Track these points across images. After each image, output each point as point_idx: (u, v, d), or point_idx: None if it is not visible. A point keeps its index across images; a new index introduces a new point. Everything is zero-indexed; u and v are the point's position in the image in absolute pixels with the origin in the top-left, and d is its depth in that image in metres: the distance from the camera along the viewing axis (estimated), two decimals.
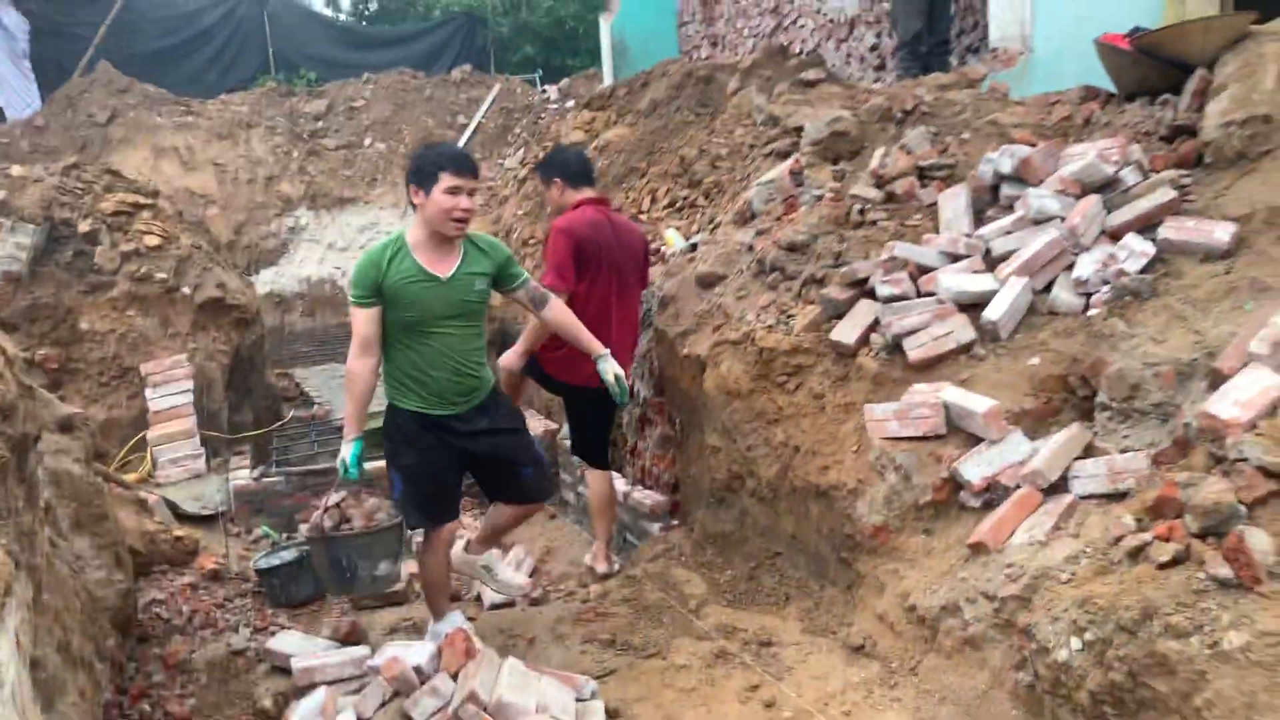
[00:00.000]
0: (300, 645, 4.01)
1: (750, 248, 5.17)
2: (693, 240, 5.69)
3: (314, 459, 6.98)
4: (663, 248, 5.81)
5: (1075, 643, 2.88)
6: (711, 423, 4.76)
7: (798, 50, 9.01)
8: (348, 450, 3.71)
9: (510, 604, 4.97)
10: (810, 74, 7.09)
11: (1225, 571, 2.66)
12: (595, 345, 4.11)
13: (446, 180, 3.59)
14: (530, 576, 5.29)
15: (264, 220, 12.49)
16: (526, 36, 22.01)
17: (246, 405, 7.35)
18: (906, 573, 3.65)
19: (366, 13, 24.24)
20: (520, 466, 4.10)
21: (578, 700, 3.34)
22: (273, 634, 4.33)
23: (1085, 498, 3.33)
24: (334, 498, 3.83)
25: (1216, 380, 3.24)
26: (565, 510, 6.52)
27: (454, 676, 3.34)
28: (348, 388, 3.79)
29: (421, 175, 3.65)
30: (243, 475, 6.37)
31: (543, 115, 13.14)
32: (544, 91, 14.99)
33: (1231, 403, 3.08)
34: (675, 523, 5.22)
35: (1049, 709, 2.96)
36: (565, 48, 21.82)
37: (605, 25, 11.25)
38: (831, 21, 8.57)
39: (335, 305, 12.39)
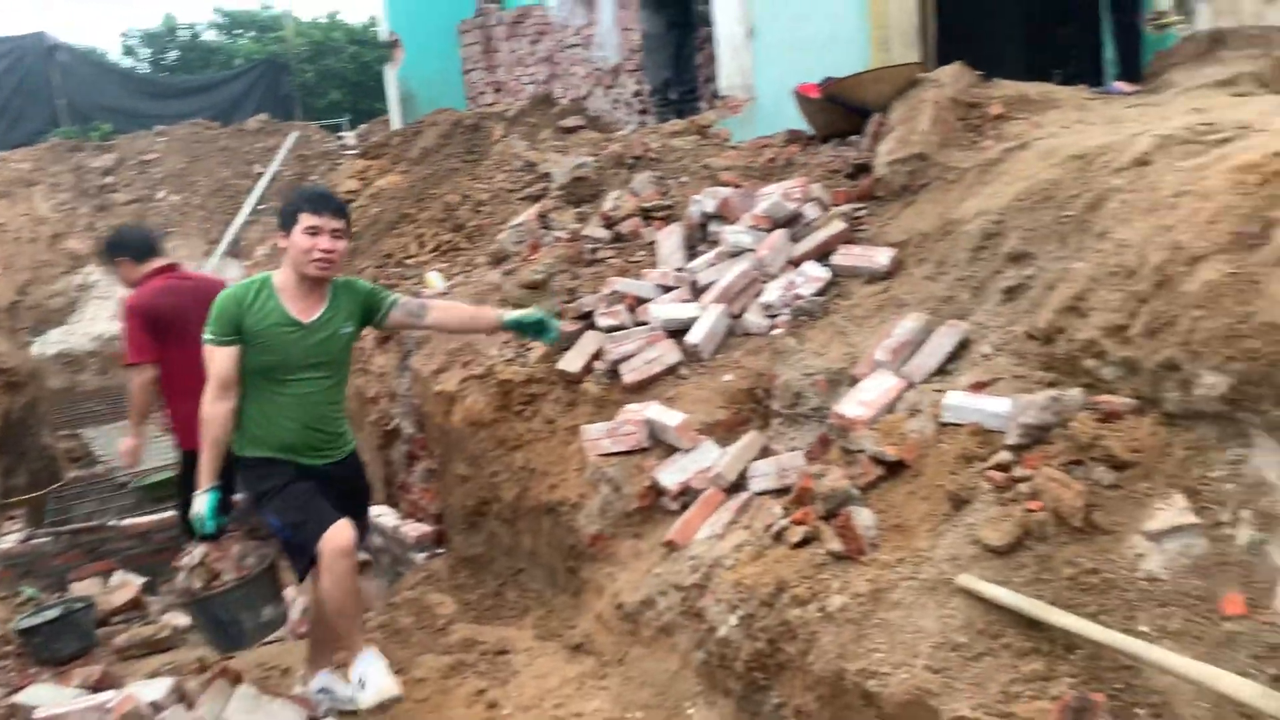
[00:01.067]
0: (50, 696, 4.10)
1: (498, 287, 5.54)
2: (451, 284, 6.03)
3: (103, 514, 6.95)
4: (423, 290, 6.13)
5: (732, 619, 3.34)
6: (461, 453, 5.09)
7: (570, 97, 9.52)
8: (203, 502, 3.43)
9: (279, 639, 5.14)
10: (570, 121, 7.58)
11: (838, 546, 3.17)
12: (492, 313, 3.97)
13: (305, 220, 3.40)
14: (301, 615, 5.47)
15: (50, 279, 12.14)
16: (333, 82, 22.00)
17: (20, 469, 7.23)
18: (619, 575, 4.07)
19: (165, 63, 23.69)
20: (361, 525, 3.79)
21: (310, 718, 3.59)
22: None
23: (760, 494, 3.81)
24: (196, 554, 3.61)
25: (853, 384, 3.80)
26: None
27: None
28: (203, 433, 3.46)
29: (284, 216, 3.47)
30: (10, 539, 6.29)
31: (339, 162, 13.28)
32: (341, 138, 15.10)
33: (857, 403, 3.64)
34: (440, 551, 5.50)
35: (719, 681, 3.40)
36: (374, 92, 21.90)
37: (391, 74, 11.54)
38: (598, 70, 9.11)
39: None
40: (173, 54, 23.50)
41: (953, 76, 5.45)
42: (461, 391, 5.08)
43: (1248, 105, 4.15)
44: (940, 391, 3.50)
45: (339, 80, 22.02)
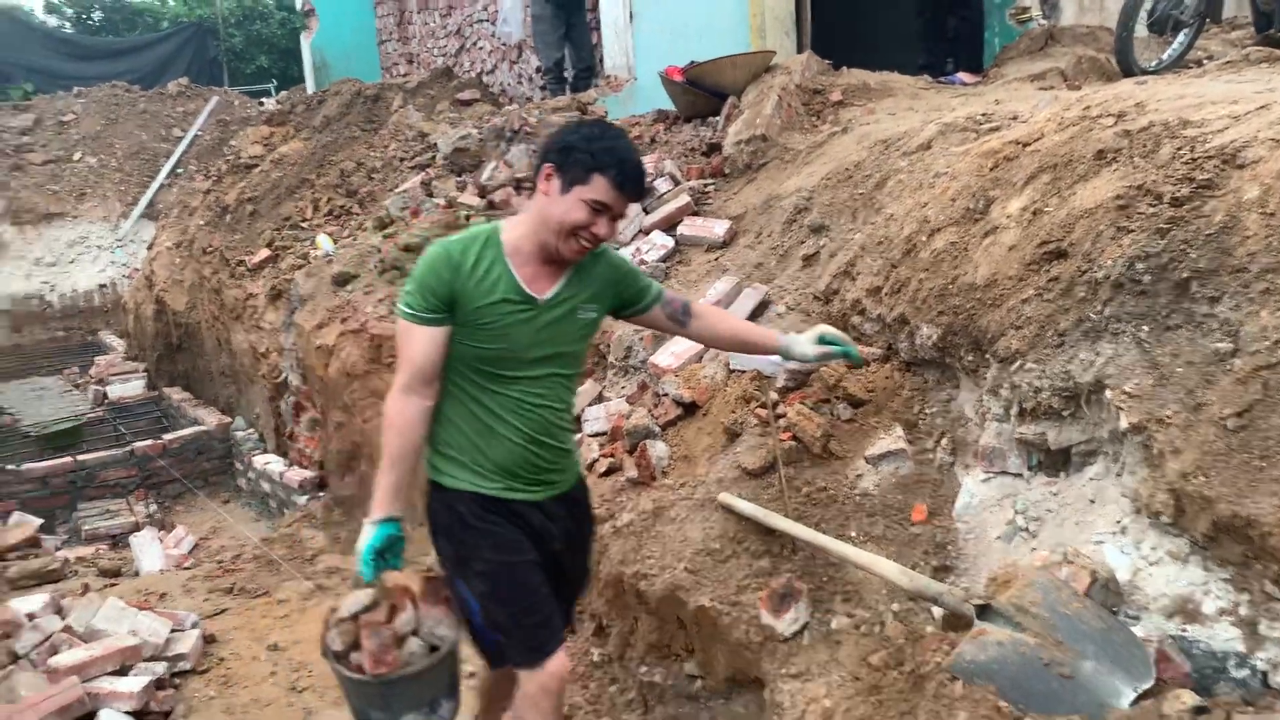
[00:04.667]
0: None
1: (378, 250, 5.93)
2: (339, 246, 6.39)
3: (5, 460, 7.22)
4: (312, 251, 6.48)
5: None
6: (337, 402, 5.49)
7: (477, 71, 9.86)
8: (368, 536, 2.41)
9: None
10: (466, 94, 7.94)
11: (634, 473, 3.64)
12: (770, 333, 2.90)
13: (598, 189, 2.35)
14: (190, 552, 5.85)
15: None
16: (261, 48, 21.95)
17: None
18: None
19: (90, 23, 23.39)
20: (575, 600, 2.89)
21: (175, 630, 3.99)
22: None
23: (593, 435, 4.27)
24: (351, 605, 2.46)
25: (671, 339, 4.27)
26: (237, 494, 7.08)
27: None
28: (387, 440, 2.43)
29: (569, 163, 2.38)
30: None
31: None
32: (263, 104, 15.24)
33: (669, 354, 4.11)
34: (320, 495, 5.90)
35: None
36: (301, 59, 21.90)
37: (306, 43, 11.76)
38: (503, 45, 9.46)
39: (44, 320, 12.27)
40: (97, 14, 23.21)
41: (801, 65, 5.94)
42: (339, 345, 5.47)
43: (1034, 98, 4.68)
44: None
45: (267, 46, 21.97)
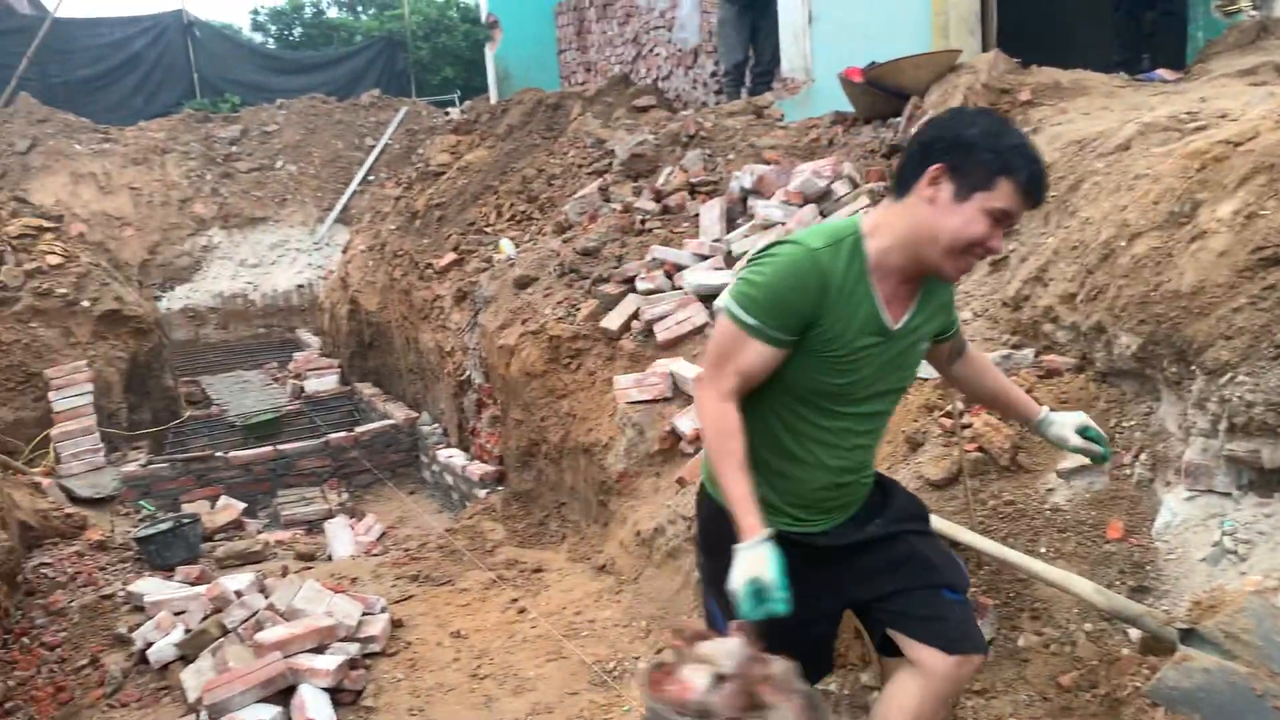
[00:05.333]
0: (156, 587, 4.84)
1: (557, 254, 6.10)
2: (520, 250, 6.61)
3: (213, 448, 7.83)
4: (495, 255, 6.73)
5: None
6: (517, 400, 5.68)
7: (654, 78, 10.01)
8: (761, 559, 1.92)
9: None
10: (642, 100, 8.08)
11: None
12: (1033, 408, 2.45)
13: (1005, 194, 1.94)
14: (378, 539, 6.16)
15: (178, 240, 13.23)
16: (446, 59, 22.90)
17: (145, 406, 8.14)
18: (640, 507, 4.59)
19: (291, 38, 24.98)
20: (939, 588, 2.21)
21: (365, 614, 4.22)
22: None
23: None
24: (731, 660, 1.91)
25: None
26: (422, 486, 7.41)
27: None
28: (723, 447, 2.03)
29: (969, 164, 1.94)
30: (134, 464, 7.18)
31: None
32: (448, 114, 15.89)
33: None
34: (500, 488, 6.12)
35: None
36: (485, 70, 22.73)
37: (490, 54, 12.21)
38: (680, 51, 9.56)
39: (248, 318, 13.18)
40: (298, 30, 24.75)
41: (988, 63, 5.76)
42: (519, 345, 5.66)
43: (1246, 94, 4.39)
44: None
45: (452, 57, 22.88)
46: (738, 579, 1.89)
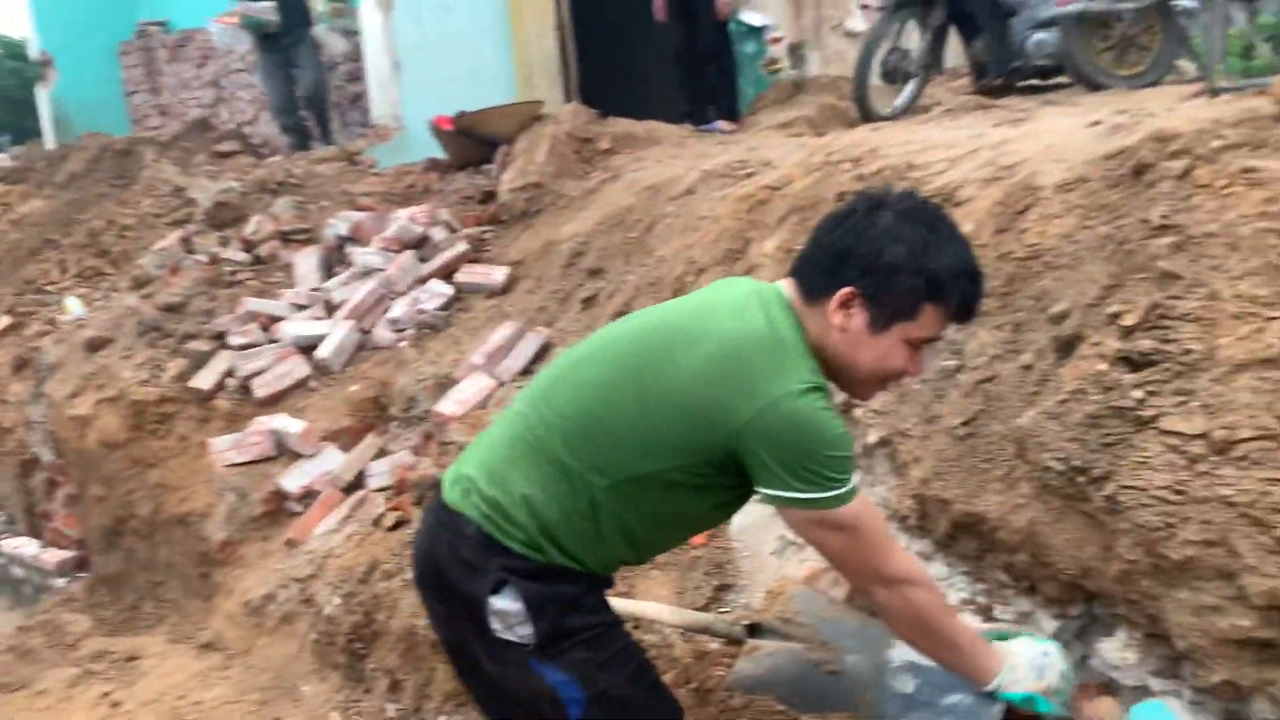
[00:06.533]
0: None
1: (136, 311, 5.62)
2: (91, 310, 6.01)
3: None
4: (59, 316, 6.07)
5: (336, 599, 3.72)
6: (97, 475, 5.14)
7: (238, 122, 9.55)
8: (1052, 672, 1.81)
9: None
10: (226, 146, 7.69)
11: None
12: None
13: (929, 322, 1.72)
14: None
15: None
16: None
17: None
18: (247, 575, 4.33)
19: None
20: None
21: None
22: None
23: (379, 490, 4.21)
24: None
25: (454, 386, 4.29)
26: None
27: None
28: (943, 623, 1.78)
29: (889, 290, 1.69)
30: None
31: None
32: None
33: (454, 402, 4.13)
34: (83, 574, 5.49)
35: (328, 656, 3.76)
36: (38, 111, 20.43)
37: (43, 95, 11.03)
38: (263, 95, 9.21)
39: None
40: None
41: (571, 114, 6.13)
42: (95, 414, 5.13)
43: (784, 145, 5.02)
44: (522, 387, 4.05)
45: None
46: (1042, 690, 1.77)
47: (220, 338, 5.10)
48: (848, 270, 1.69)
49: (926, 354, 1.80)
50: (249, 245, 5.63)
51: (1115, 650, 1.98)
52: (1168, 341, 1.93)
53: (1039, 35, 5.60)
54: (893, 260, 1.66)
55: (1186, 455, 1.81)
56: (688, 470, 1.71)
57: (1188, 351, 1.90)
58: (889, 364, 1.73)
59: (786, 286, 1.79)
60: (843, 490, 1.65)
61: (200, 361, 5.02)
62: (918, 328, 1.69)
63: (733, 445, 1.66)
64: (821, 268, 1.73)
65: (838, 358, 1.73)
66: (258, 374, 4.84)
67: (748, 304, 1.74)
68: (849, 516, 1.67)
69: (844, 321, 1.70)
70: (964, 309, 1.73)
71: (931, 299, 1.67)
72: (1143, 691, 1.95)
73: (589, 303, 4.37)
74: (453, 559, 1.81)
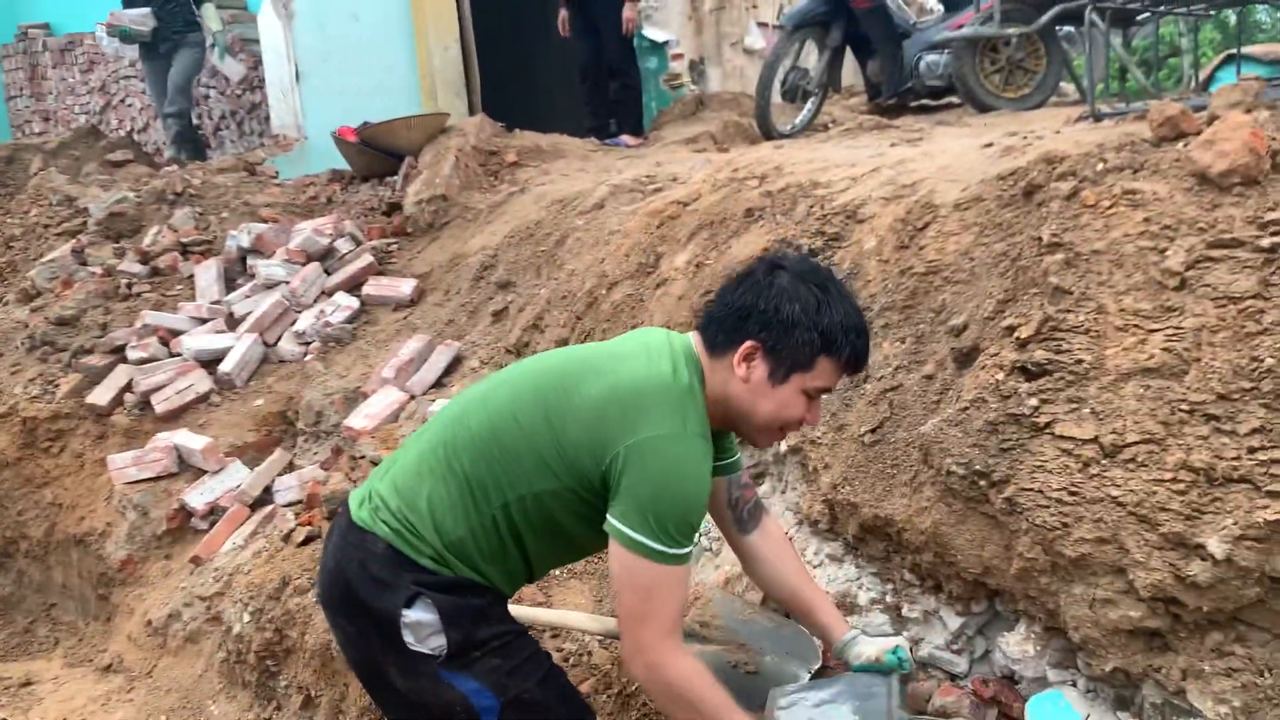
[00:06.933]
0: None
1: (26, 325, 5.42)
2: None
3: None
4: None
5: (245, 616, 3.66)
6: None
7: (128, 129, 9.26)
8: None
9: None
10: (118, 155, 7.45)
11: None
12: (836, 619, 2.13)
13: (824, 374, 1.85)
14: None
15: None
16: None
17: None
18: (149, 594, 4.22)
19: None
20: None
21: None
22: None
23: (286, 505, 4.15)
24: None
25: (364, 400, 4.27)
26: None
27: None
28: (708, 701, 1.80)
29: (787, 345, 1.82)
30: None
31: None
32: None
33: (364, 416, 4.11)
34: None
35: (238, 674, 3.70)
36: None
37: None
38: (152, 103, 8.96)
39: None
40: None
41: (476, 126, 6.15)
42: None
43: (690, 160, 5.14)
44: (434, 400, 4.06)
45: None
46: None
47: (118, 352, 4.95)
48: (749, 325, 1.83)
49: (816, 409, 1.92)
50: (146, 257, 5.48)
51: (1016, 644, 2.11)
52: (1060, 352, 2.07)
53: (931, 57, 5.86)
54: (790, 316, 1.81)
55: (1079, 459, 1.95)
56: (575, 493, 1.80)
57: (1079, 361, 2.04)
58: (788, 413, 1.85)
59: (695, 340, 1.91)
60: (672, 551, 1.72)
61: (97, 377, 4.87)
62: (814, 378, 1.84)
63: (605, 469, 1.75)
64: (725, 324, 1.86)
65: (739, 407, 1.85)
66: (158, 389, 4.71)
67: (660, 352, 1.86)
68: (658, 577, 1.73)
69: (746, 373, 1.83)
70: (853, 361, 1.86)
71: (825, 352, 1.82)
72: (1042, 683, 2.08)
73: (499, 316, 4.40)
74: (363, 576, 1.87)
